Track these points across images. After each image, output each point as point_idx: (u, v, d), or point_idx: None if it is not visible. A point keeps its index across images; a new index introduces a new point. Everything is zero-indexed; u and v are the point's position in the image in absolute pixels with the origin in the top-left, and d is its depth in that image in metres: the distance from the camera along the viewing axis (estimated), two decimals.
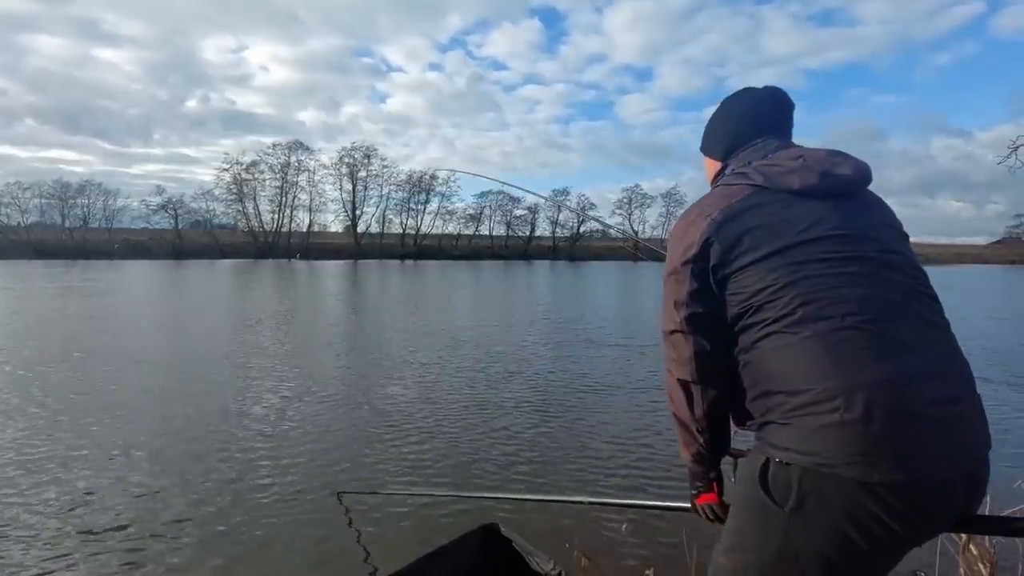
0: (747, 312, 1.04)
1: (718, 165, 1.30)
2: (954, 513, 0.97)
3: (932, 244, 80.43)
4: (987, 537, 1.95)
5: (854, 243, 1.03)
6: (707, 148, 1.35)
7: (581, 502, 2.11)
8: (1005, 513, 1.71)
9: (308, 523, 3.18)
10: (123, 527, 3.08)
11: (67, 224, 48.50)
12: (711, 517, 1.22)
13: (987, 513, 1.17)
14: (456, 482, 3.84)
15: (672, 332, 1.14)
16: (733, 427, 1.20)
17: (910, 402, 0.90)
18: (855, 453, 0.89)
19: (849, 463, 0.89)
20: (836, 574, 0.95)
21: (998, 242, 79.36)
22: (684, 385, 1.14)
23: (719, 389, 1.13)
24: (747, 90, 1.31)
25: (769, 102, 1.27)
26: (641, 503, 1.81)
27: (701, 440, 1.17)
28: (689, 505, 1.27)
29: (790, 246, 1.02)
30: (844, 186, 1.08)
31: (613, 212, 62.72)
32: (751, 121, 1.26)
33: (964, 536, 1.94)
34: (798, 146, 1.20)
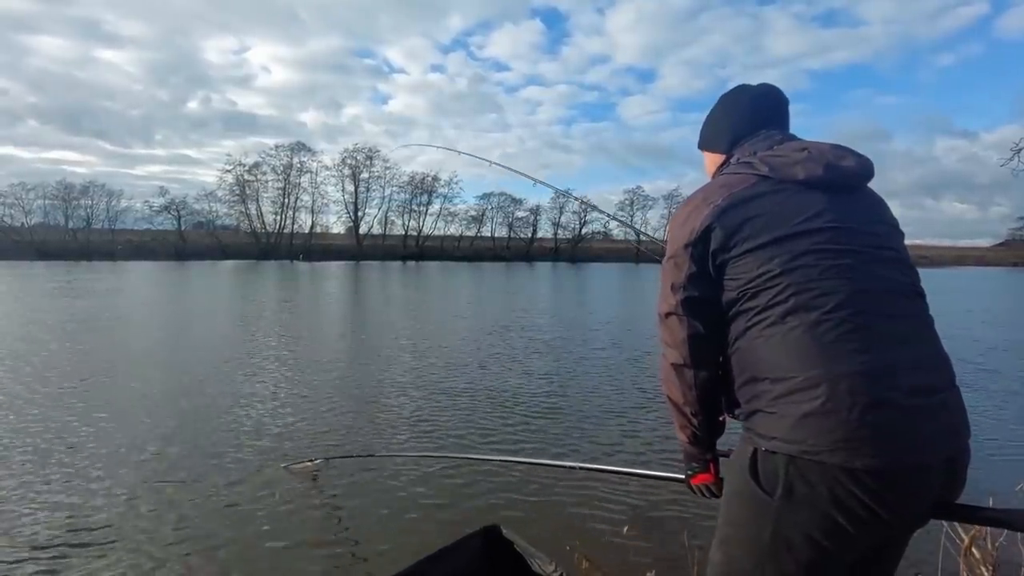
0: (742, 298, 1.07)
1: (721, 158, 1.32)
2: (936, 499, 1.00)
3: (934, 246, 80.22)
4: (989, 539, 1.95)
5: (851, 237, 1.06)
6: (708, 143, 1.37)
7: (571, 467, 2.08)
8: None
9: (300, 496, 3.24)
10: (113, 508, 3.09)
11: (70, 225, 48.65)
12: (707, 495, 1.26)
13: None
14: (449, 446, 3.89)
15: (668, 315, 1.16)
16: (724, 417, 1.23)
17: (890, 391, 0.94)
18: (838, 440, 0.92)
19: (833, 450, 0.93)
20: (828, 560, 0.99)
21: (1001, 244, 79.09)
22: (677, 368, 1.16)
23: (711, 373, 1.15)
24: (744, 86, 1.34)
25: (768, 96, 1.30)
26: (639, 472, 1.80)
27: (695, 423, 1.19)
28: (683, 477, 1.31)
29: (789, 236, 1.05)
30: (847, 179, 1.11)
31: (615, 214, 62.77)
32: (753, 114, 1.28)
33: (967, 539, 1.94)
34: (801, 139, 1.23)
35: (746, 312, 1.06)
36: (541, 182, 2.73)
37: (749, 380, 1.06)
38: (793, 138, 1.23)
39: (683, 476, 1.31)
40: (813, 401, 0.94)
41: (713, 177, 1.32)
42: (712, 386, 1.16)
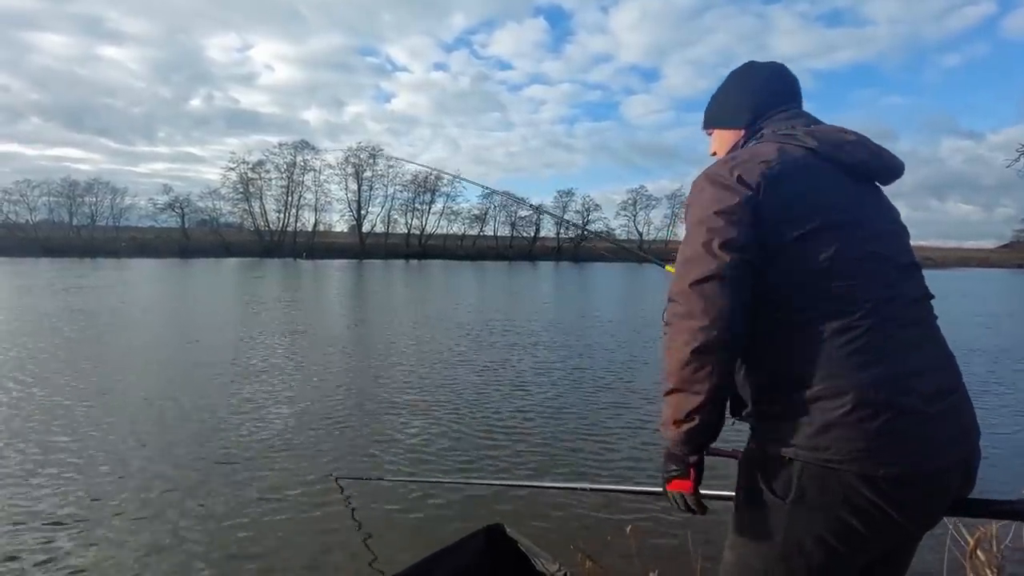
0: (770, 291, 1.00)
1: (738, 134, 1.23)
2: (951, 499, 1.00)
3: (938, 247, 79.70)
4: (994, 542, 1.94)
5: (879, 237, 1.05)
6: (721, 118, 1.28)
7: (575, 488, 2.08)
8: None
9: (307, 510, 3.26)
10: (119, 513, 3.11)
11: (75, 222, 48.88)
12: (682, 507, 1.06)
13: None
14: (456, 470, 3.89)
15: (705, 279, 0.95)
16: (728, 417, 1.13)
17: (910, 397, 0.93)
18: (860, 449, 0.91)
19: (852, 458, 0.92)
20: (839, 563, 0.98)
21: (1006, 246, 78.57)
22: (699, 352, 0.95)
23: (733, 363, 1.01)
24: (753, 62, 1.28)
25: (784, 72, 1.25)
26: (638, 489, 1.81)
27: (696, 417, 0.99)
28: (660, 490, 1.09)
29: (834, 227, 1.00)
30: (887, 170, 1.11)
31: (618, 213, 62.65)
32: (773, 88, 1.22)
33: (971, 541, 1.93)
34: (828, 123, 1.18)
35: (770, 309, 1.00)
36: (536, 209, 2.71)
37: (767, 383, 1.02)
38: (819, 120, 1.17)
39: (659, 489, 1.11)
40: (837, 409, 0.92)
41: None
42: (730, 378, 1.02)
